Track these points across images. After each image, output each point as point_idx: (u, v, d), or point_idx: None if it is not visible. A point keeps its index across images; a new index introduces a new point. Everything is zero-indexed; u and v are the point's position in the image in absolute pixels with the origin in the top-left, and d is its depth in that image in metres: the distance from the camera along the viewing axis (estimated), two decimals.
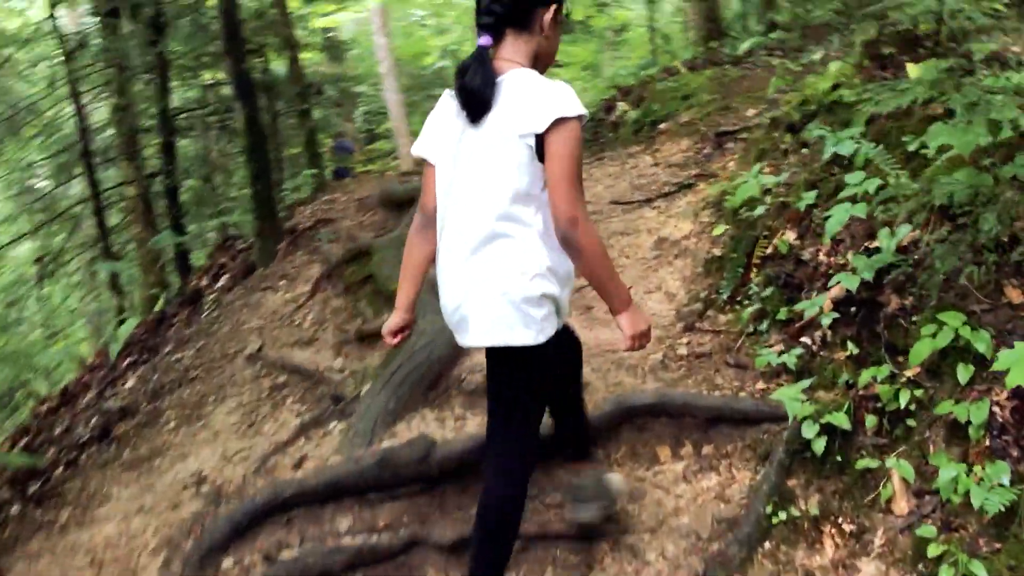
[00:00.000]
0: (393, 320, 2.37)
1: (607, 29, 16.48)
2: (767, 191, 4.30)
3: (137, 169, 9.43)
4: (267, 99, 10.86)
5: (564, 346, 2.39)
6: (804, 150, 4.56)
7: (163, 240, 8.01)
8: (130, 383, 5.61)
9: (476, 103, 2.02)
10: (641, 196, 6.12)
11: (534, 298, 2.04)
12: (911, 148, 3.75)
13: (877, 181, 3.49)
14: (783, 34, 7.07)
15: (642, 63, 11.10)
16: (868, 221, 3.58)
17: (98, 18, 7.96)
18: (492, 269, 2.06)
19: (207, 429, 4.30)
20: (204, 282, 6.87)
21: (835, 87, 4.77)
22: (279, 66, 11.60)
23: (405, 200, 6.67)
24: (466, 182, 2.09)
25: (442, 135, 2.17)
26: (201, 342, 5.42)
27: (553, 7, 2.10)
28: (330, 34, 18.47)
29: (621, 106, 9.95)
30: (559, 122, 1.93)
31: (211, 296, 6.51)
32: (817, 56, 4.22)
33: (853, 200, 3.52)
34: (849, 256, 3.69)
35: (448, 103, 2.17)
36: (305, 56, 13.96)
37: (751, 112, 6.67)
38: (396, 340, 2.39)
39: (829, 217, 3.50)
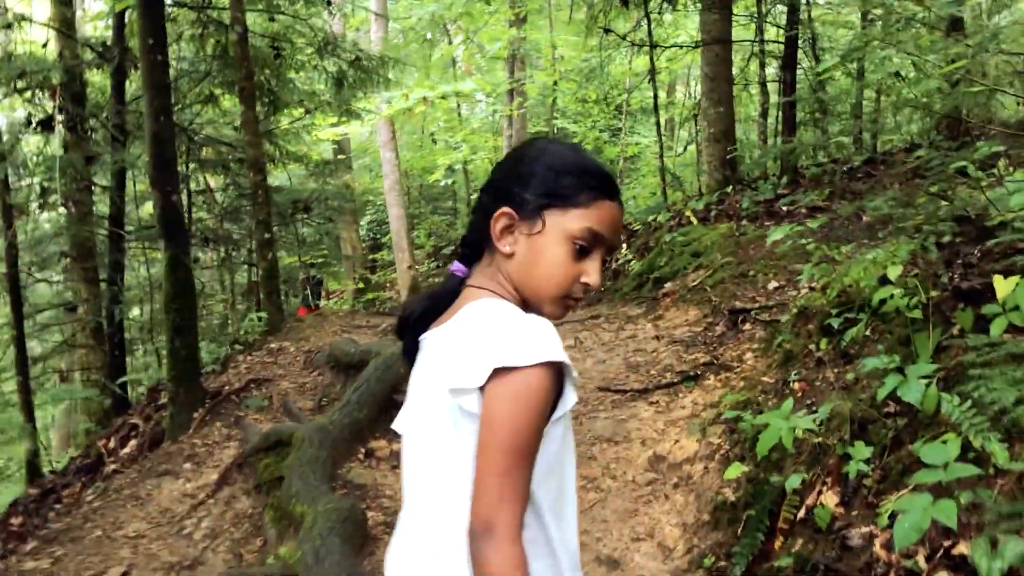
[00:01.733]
0: None
1: (620, 157, 15.74)
2: (796, 429, 3.19)
3: (92, 291, 8.50)
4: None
5: None
6: (848, 372, 3.47)
7: (90, 396, 6.98)
8: None
9: (405, 348, 1.38)
10: (637, 383, 5.03)
11: None
12: (999, 401, 2.67)
13: (967, 467, 2.39)
14: (818, 215, 6.12)
15: (651, 206, 10.22)
16: None
17: (31, 126, 7.15)
18: None
19: None
20: (111, 445, 5.73)
21: (884, 281, 3.72)
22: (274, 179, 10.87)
23: (355, 363, 5.61)
24: (406, 470, 1.36)
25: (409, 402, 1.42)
26: (62, 550, 4.24)
27: (505, 210, 1.29)
28: (335, 145, 17.92)
29: (624, 252, 9.01)
30: (499, 374, 1.16)
31: (111, 467, 5.36)
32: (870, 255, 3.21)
33: (935, 490, 2.41)
34: (920, 560, 2.58)
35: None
36: (294, 169, 13.28)
37: (772, 286, 5.65)
38: None
39: (897, 516, 2.37)
